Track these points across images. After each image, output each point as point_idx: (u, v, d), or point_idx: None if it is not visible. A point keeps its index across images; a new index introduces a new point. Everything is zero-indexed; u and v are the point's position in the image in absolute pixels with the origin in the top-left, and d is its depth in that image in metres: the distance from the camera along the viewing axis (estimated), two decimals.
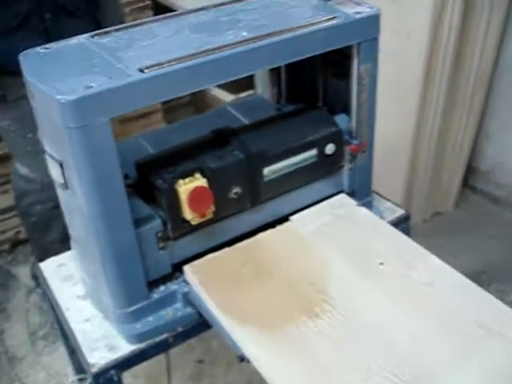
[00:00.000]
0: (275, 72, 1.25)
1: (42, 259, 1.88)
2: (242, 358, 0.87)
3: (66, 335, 1.26)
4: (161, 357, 1.47)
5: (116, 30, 1.01)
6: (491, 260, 2.32)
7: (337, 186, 1.16)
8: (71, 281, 1.13)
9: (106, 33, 1.00)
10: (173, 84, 0.84)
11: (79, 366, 1.34)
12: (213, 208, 0.96)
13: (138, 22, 1.04)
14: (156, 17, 1.05)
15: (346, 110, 1.12)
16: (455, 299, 0.90)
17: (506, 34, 2.17)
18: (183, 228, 0.97)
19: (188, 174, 0.94)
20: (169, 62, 0.85)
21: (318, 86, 1.19)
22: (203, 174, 0.95)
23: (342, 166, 1.13)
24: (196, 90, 0.86)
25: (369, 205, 1.19)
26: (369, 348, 0.83)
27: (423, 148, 2.28)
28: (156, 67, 0.83)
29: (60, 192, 0.96)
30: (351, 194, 1.17)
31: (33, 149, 1.68)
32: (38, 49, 0.95)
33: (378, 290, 0.93)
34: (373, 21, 1.00)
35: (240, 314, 0.90)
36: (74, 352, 1.32)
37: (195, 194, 0.92)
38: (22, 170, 1.79)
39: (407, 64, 2.09)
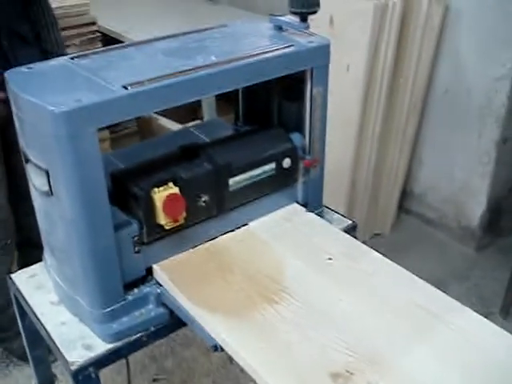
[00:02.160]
0: (232, 96, 1.37)
1: None
2: (216, 348, 0.95)
3: (33, 345, 1.32)
4: (118, 375, 1.52)
5: (93, 54, 1.10)
6: (428, 278, 2.49)
7: (292, 198, 1.27)
8: (43, 289, 1.19)
9: (85, 56, 1.09)
10: (153, 100, 0.94)
11: (45, 379, 1.39)
12: (184, 214, 1.05)
13: (112, 46, 1.14)
14: (129, 43, 1.16)
15: (299, 129, 1.25)
16: (396, 286, 1.04)
17: (435, 68, 2.38)
18: (157, 232, 1.06)
19: (162, 183, 1.03)
20: (149, 80, 0.95)
21: (273, 108, 1.31)
22: (175, 183, 1.04)
23: (296, 179, 1.25)
24: (172, 106, 0.97)
25: (320, 215, 1.31)
26: (324, 328, 0.95)
27: (362, 173, 2.45)
28: (137, 85, 0.93)
29: (40, 200, 1.03)
30: (304, 205, 1.29)
31: None
32: (22, 68, 1.04)
33: (328, 279, 1.06)
34: (324, 49, 1.14)
35: (209, 305, 1.00)
36: (39, 363, 1.37)
37: (169, 200, 1.02)
38: None
39: (346, 95, 2.26)
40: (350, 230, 1.36)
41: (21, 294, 1.19)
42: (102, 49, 1.13)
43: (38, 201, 1.06)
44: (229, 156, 1.13)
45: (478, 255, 2.52)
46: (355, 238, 1.36)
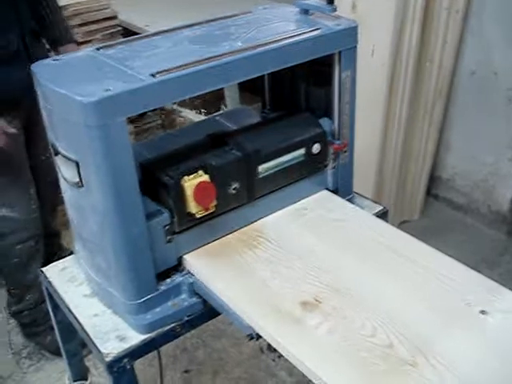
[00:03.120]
0: (258, 84, 1.35)
1: (20, 298, 1.91)
2: (252, 337, 0.94)
3: (66, 338, 1.32)
4: (150, 367, 1.52)
5: (119, 44, 1.10)
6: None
7: (322, 184, 1.26)
8: (75, 282, 1.19)
9: (110, 46, 1.08)
10: (181, 87, 0.93)
11: (78, 372, 1.40)
12: (215, 202, 1.04)
13: (137, 36, 1.13)
14: (154, 31, 1.15)
15: (327, 114, 1.23)
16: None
17: (460, 50, 2.34)
18: (188, 221, 1.05)
19: (191, 171, 1.03)
20: (176, 68, 0.94)
21: (300, 94, 1.30)
22: (205, 171, 1.03)
23: (326, 165, 1.23)
24: (200, 93, 0.95)
25: (351, 201, 1.29)
26: (297, 265, 1.05)
27: (389, 159, 2.42)
28: (165, 72, 0.92)
29: (71, 192, 1.03)
30: (335, 192, 1.27)
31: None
32: (47, 60, 1.04)
33: (303, 228, 1.15)
34: (352, 32, 1.12)
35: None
36: (73, 357, 1.38)
37: (200, 188, 1.01)
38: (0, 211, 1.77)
39: (371, 80, 2.23)
40: (381, 216, 1.34)
41: (53, 287, 1.19)
42: (127, 39, 1.12)
43: (68, 193, 1.06)
44: (257, 143, 1.11)
45: (509, 240, 2.48)
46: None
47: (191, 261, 1.08)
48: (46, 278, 1.22)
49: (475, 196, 2.58)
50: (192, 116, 2.92)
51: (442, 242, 2.41)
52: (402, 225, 2.61)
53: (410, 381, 0.82)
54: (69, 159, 0.96)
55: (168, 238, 1.04)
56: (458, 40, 2.30)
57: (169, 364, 2.03)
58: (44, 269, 1.24)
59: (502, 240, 2.48)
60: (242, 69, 0.99)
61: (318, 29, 1.09)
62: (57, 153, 1.01)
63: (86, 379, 1.50)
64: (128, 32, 2.69)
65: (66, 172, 1.00)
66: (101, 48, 1.07)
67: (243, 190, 1.10)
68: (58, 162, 1.02)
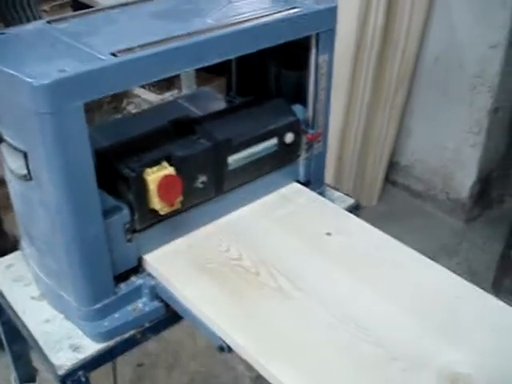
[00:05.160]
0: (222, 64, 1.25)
1: None
2: (222, 348, 0.86)
3: (12, 339, 1.20)
4: None
5: (72, 17, 0.97)
6: (414, 249, 2.44)
7: (292, 176, 1.17)
8: (23, 281, 1.07)
9: (63, 19, 0.96)
10: (146, 69, 0.82)
11: (25, 373, 1.28)
12: (181, 197, 0.94)
13: (94, 9, 1.01)
14: (111, 5, 1.02)
15: (300, 100, 1.14)
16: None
17: (425, 35, 2.28)
18: (151, 218, 0.94)
19: (155, 162, 0.92)
20: (140, 46, 0.83)
21: (270, 78, 1.20)
22: (170, 162, 0.93)
23: (298, 156, 1.15)
24: (167, 76, 0.85)
25: (322, 194, 1.22)
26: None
27: (349, 144, 2.36)
28: (128, 52, 0.81)
29: (17, 185, 0.91)
30: (306, 184, 1.19)
31: None
32: None
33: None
34: (332, 12, 1.03)
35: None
36: (19, 358, 1.26)
37: (164, 182, 0.90)
38: None
39: (335, 63, 2.15)
40: (354, 210, 1.27)
41: None
42: (81, 12, 1.00)
43: (13, 185, 0.93)
44: (228, 131, 1.01)
45: (467, 228, 2.47)
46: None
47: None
48: None
49: (434, 183, 2.56)
50: (145, 95, 2.77)
51: (399, 228, 2.38)
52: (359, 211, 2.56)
53: None
54: (15, 149, 0.84)
55: (128, 237, 0.93)
56: (423, 23, 2.24)
57: (120, 357, 1.92)
58: None
59: (461, 228, 2.47)
60: (215, 49, 0.89)
61: (295, 7, 1.00)
62: (1, 140, 0.89)
63: (34, 381, 1.38)
64: (78, 4, 2.51)
65: (11, 163, 0.88)
66: (52, 21, 0.95)
67: (211, 184, 1.00)
68: (3, 150, 0.90)
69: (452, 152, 2.41)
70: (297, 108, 1.13)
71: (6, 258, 1.13)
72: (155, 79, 0.83)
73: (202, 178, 0.98)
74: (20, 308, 1.02)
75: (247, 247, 1.00)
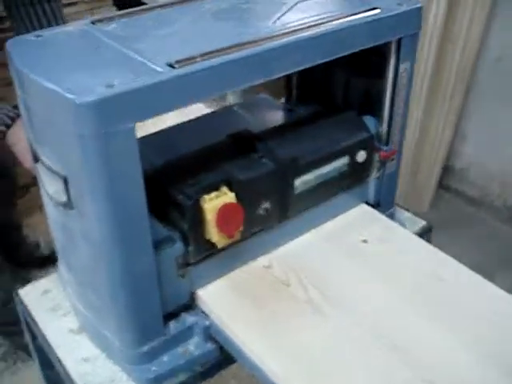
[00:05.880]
0: None
1: None
2: None
3: (47, 366, 1.10)
4: None
5: (120, 16, 0.85)
6: (468, 261, 2.28)
7: (361, 197, 1.04)
8: (60, 310, 0.96)
9: (110, 19, 0.84)
10: (209, 83, 0.69)
11: None
12: (242, 227, 0.82)
13: (145, 7, 0.88)
14: (164, 2, 0.90)
15: (372, 111, 1.00)
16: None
17: (487, 33, 2.11)
18: (207, 250, 0.82)
19: (213, 187, 0.80)
20: (202, 55, 0.70)
21: (336, 85, 1.06)
22: (230, 187, 0.80)
23: (368, 175, 1.01)
24: (232, 90, 0.72)
25: (392, 216, 1.08)
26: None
27: (404, 146, 2.20)
28: (188, 62, 0.68)
29: (55, 210, 0.80)
30: (375, 206, 1.05)
31: None
32: (28, 36, 0.79)
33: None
34: (416, 13, 0.88)
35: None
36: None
37: (224, 211, 0.78)
38: None
39: None
40: (425, 233, 1.14)
41: (31, 316, 0.96)
42: (130, 10, 0.87)
43: (51, 209, 0.82)
44: (294, 149, 0.88)
45: None
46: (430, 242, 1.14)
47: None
48: (22, 303, 0.99)
49: (490, 188, 2.39)
50: None
51: (450, 237, 2.22)
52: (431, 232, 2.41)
53: None
54: (54, 172, 0.72)
55: (180, 271, 0.81)
56: (486, 21, 2.06)
57: None
58: (21, 291, 1.01)
59: None
60: (289, 59, 0.75)
61: (375, 8, 0.86)
62: (37, 159, 0.77)
63: None
64: None
65: (49, 186, 0.77)
66: (96, 21, 0.83)
67: (275, 210, 0.87)
68: (39, 170, 0.79)
69: (510, 157, 2.23)
70: (368, 121, 0.99)
71: (42, 282, 1.03)
72: (218, 94, 0.71)
73: (265, 205, 0.85)
74: (56, 342, 0.91)
75: (314, 280, 0.88)
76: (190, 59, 0.69)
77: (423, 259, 0.93)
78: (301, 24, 0.80)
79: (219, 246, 0.81)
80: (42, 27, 1.35)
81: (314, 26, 0.79)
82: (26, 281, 1.88)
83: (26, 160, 1.11)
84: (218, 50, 0.71)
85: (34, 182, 0.87)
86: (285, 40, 0.74)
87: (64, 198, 0.73)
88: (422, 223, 1.15)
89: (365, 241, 0.96)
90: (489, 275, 0.88)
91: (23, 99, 0.74)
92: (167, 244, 0.79)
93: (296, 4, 0.88)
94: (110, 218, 0.70)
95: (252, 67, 0.72)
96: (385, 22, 0.84)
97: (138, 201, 0.70)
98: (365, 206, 1.04)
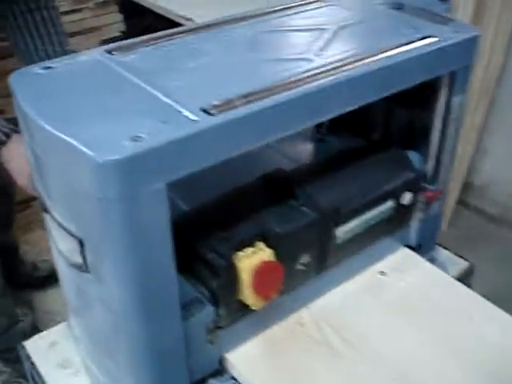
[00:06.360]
0: None
1: None
2: None
3: None
4: None
5: (139, 44, 0.75)
6: (489, 282, 2.19)
7: (402, 241, 0.94)
8: (70, 368, 0.86)
9: (127, 47, 0.74)
10: (252, 131, 0.59)
11: None
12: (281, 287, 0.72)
13: (165, 32, 0.78)
14: (188, 26, 0.80)
15: (415, 146, 0.90)
16: None
17: (510, 50, 2.02)
18: (239, 312, 0.72)
19: (247, 242, 0.70)
20: (241, 98, 0.60)
21: (374, 115, 0.96)
22: (267, 241, 0.70)
23: (411, 218, 0.91)
24: (277, 137, 0.62)
25: (432, 259, 0.98)
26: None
27: None
28: (226, 107, 0.58)
29: (67, 270, 0.70)
30: (415, 248, 0.95)
31: None
32: (35, 68, 0.69)
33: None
34: (474, 43, 0.78)
35: None
36: None
37: (261, 271, 0.68)
38: None
39: None
40: (467, 275, 1.04)
41: (38, 373, 0.86)
42: (148, 37, 0.77)
43: (61, 264, 0.72)
44: (335, 194, 0.78)
45: None
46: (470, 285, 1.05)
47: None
48: (28, 357, 0.89)
49: (511, 206, 2.30)
50: None
51: (471, 256, 2.12)
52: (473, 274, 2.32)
53: None
54: (68, 232, 0.62)
55: (210, 337, 0.71)
56: (510, 36, 1.97)
57: None
58: (27, 343, 0.91)
59: None
60: (336, 99, 0.65)
61: (429, 36, 0.76)
62: (45, 209, 0.67)
63: None
64: (127, 2, 2.30)
65: (61, 243, 0.67)
66: (113, 51, 0.73)
67: (314, 264, 0.77)
68: (48, 221, 0.69)
69: None
70: (413, 157, 0.89)
71: (51, 331, 0.92)
72: (261, 143, 0.61)
73: (305, 259, 0.75)
74: None
75: (353, 338, 0.78)
76: (228, 103, 0.59)
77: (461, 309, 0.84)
78: (348, 56, 0.70)
79: (254, 308, 0.71)
80: (40, 35, 1.26)
81: (364, 58, 0.69)
82: (27, 304, 1.79)
83: (21, 178, 1.02)
84: (259, 92, 0.61)
85: (34, 197, 0.77)
86: (335, 78, 0.64)
87: (79, 260, 0.63)
88: (464, 264, 1.04)
89: (407, 292, 0.86)
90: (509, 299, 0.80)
91: (30, 144, 0.64)
92: (196, 308, 0.69)
93: (337, 31, 0.78)
94: (134, 286, 0.60)
95: (299, 110, 0.62)
96: (443, 52, 0.74)
97: (166, 267, 0.60)
98: (406, 250, 0.94)
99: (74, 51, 1.28)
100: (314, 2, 0.87)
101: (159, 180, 0.54)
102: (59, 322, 0.93)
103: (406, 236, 0.93)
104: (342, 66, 0.67)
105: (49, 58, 1.23)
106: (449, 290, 0.88)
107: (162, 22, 2.34)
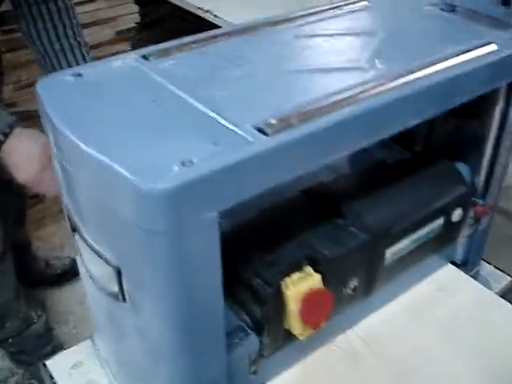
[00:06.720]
0: None
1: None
2: None
3: None
4: None
5: (176, 48, 0.69)
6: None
7: (448, 257, 0.88)
8: None
9: (164, 52, 0.68)
10: (311, 152, 0.54)
11: None
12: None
13: (204, 35, 0.72)
14: (223, 29, 0.74)
15: (464, 158, 0.84)
16: None
17: None
18: (284, 340, 0.67)
19: (294, 266, 0.64)
20: (298, 116, 0.54)
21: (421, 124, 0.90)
22: (315, 266, 0.65)
23: (459, 234, 0.86)
24: (335, 158, 0.56)
25: (476, 275, 0.93)
26: None
27: None
28: (283, 125, 0.53)
29: (101, 298, 0.64)
30: (460, 265, 0.90)
31: None
32: (64, 75, 0.63)
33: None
34: None
35: None
36: None
37: (310, 299, 0.63)
38: None
39: None
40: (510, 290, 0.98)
41: None
42: (187, 40, 0.71)
43: (91, 287, 0.67)
44: (385, 213, 0.73)
45: None
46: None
47: None
48: (51, 377, 0.84)
49: None
50: None
51: (495, 258, 2.05)
52: None
53: None
54: (104, 260, 0.57)
55: (253, 368, 0.66)
56: None
57: None
58: (49, 362, 0.86)
59: None
60: (400, 115, 0.60)
61: (489, 42, 0.70)
62: (74, 229, 0.62)
63: None
64: None
65: (93, 268, 0.61)
66: (150, 56, 0.67)
67: (362, 286, 0.72)
68: (78, 242, 0.63)
69: None
70: (460, 168, 0.84)
71: (75, 351, 0.87)
72: (322, 164, 0.55)
73: (353, 283, 0.70)
74: None
75: (400, 365, 0.73)
76: (285, 121, 0.53)
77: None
78: (405, 65, 0.64)
79: (301, 338, 0.65)
80: (54, 26, 1.20)
81: (423, 68, 0.63)
82: (40, 305, 1.74)
83: (20, 173, 0.97)
84: (316, 108, 0.55)
85: None
86: (399, 91, 0.58)
87: (114, 289, 0.58)
88: (507, 280, 0.99)
89: (453, 314, 0.81)
90: None
91: (58, 159, 0.58)
92: (239, 338, 0.64)
93: (387, 36, 0.72)
94: (177, 320, 0.54)
95: (362, 128, 0.56)
96: (506, 61, 0.68)
97: (214, 300, 0.55)
98: (450, 267, 0.89)
99: (87, 43, 1.23)
100: (355, 2, 0.81)
101: (211, 209, 0.48)
102: (73, 322, 0.87)
103: (452, 253, 0.88)
104: (401, 77, 0.61)
105: (63, 51, 1.18)
106: (495, 310, 0.83)
107: (176, 13, 2.27)
